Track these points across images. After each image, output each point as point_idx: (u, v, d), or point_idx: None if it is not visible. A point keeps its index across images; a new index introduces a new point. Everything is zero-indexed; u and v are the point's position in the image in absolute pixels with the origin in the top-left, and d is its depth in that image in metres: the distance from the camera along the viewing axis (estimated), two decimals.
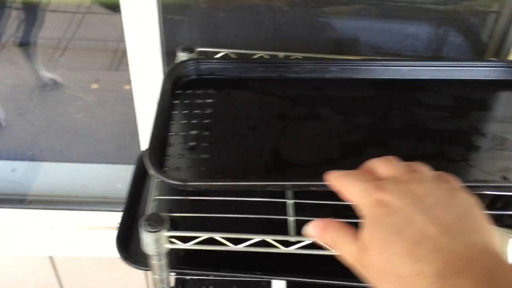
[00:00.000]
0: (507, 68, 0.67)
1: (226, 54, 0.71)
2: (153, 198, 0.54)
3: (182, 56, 0.69)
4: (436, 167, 0.38)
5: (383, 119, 0.62)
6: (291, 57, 0.71)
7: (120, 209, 0.65)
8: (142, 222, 0.50)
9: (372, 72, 0.67)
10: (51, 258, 1.15)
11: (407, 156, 0.39)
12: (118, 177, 1.20)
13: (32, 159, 1.27)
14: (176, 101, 0.62)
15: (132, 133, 0.92)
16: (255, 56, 0.71)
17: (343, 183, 0.39)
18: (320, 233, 0.38)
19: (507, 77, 0.67)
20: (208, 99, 0.63)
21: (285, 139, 0.58)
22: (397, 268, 0.32)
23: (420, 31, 0.85)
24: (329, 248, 0.40)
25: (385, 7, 0.81)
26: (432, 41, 0.86)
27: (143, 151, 0.76)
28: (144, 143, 0.90)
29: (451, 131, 0.60)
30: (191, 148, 0.56)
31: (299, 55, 0.72)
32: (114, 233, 0.62)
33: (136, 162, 0.73)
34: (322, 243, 0.43)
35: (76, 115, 1.34)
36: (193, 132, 0.58)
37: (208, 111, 0.61)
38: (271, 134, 0.59)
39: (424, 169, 0.38)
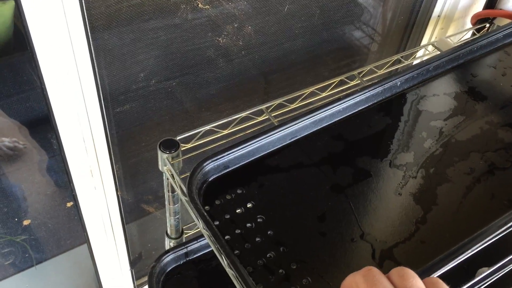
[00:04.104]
0: None
1: (209, 129, 0.71)
2: None
3: (167, 156, 0.65)
4: None
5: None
6: (287, 107, 0.73)
7: None
8: None
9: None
10: None
11: None
12: None
13: None
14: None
15: None
16: (235, 122, 0.71)
17: None
18: None
19: None
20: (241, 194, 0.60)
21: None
22: None
23: None
24: None
25: None
26: None
27: None
28: None
29: None
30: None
31: (279, 100, 0.73)
32: None
33: None
34: None
35: None
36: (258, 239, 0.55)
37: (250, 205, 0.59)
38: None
39: (412, 284, 0.34)
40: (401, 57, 0.90)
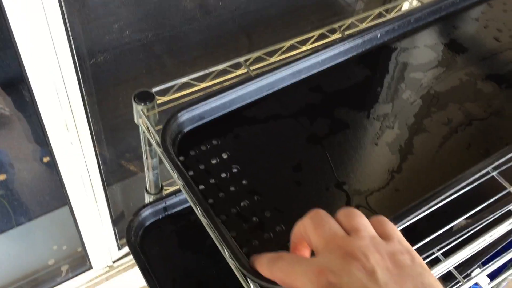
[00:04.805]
0: None
1: (187, 82, 0.69)
2: None
3: (142, 107, 0.64)
4: None
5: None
6: (266, 61, 0.72)
7: None
8: None
9: None
10: None
11: None
12: None
13: None
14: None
15: None
16: (213, 74, 0.69)
17: (278, 271, 0.34)
18: None
19: None
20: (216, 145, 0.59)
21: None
22: None
23: None
24: None
25: None
26: None
27: None
28: None
29: None
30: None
31: (258, 53, 0.71)
32: None
33: None
34: None
35: None
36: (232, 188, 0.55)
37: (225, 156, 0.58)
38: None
39: (362, 224, 0.34)
40: (384, 10, 0.88)
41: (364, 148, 0.60)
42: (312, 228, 0.35)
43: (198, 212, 0.52)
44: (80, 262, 1.23)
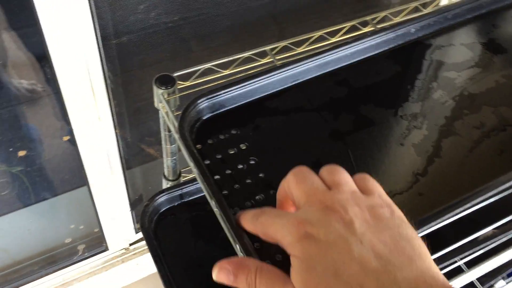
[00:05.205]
0: None
1: (210, 68, 0.67)
2: None
3: (162, 92, 0.63)
4: None
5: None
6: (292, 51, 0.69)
7: None
8: None
9: None
10: None
11: None
12: None
13: None
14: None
15: None
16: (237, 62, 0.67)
17: (259, 225, 0.35)
18: (230, 278, 0.33)
19: None
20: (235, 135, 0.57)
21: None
22: None
23: None
24: None
25: None
26: None
27: None
28: None
29: None
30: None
31: (285, 43, 0.69)
32: None
33: None
34: None
35: None
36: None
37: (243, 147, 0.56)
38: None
39: (343, 180, 0.35)
40: (421, 4, 0.85)
41: (389, 147, 0.58)
42: (294, 183, 0.36)
43: (212, 202, 0.51)
44: (96, 242, 1.23)
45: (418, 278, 0.29)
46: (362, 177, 0.36)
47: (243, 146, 0.57)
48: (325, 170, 0.36)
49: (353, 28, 0.79)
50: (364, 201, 0.33)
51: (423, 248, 0.31)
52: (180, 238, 0.73)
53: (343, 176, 0.35)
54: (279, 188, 0.38)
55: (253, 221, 0.37)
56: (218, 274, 0.34)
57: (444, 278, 0.30)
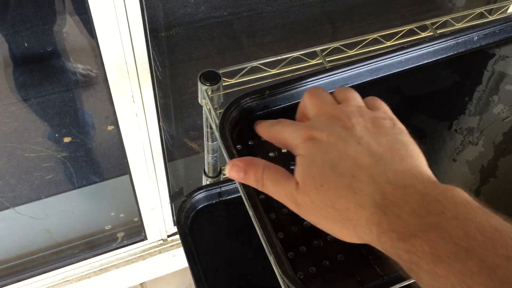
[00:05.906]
0: None
1: (256, 67, 0.65)
2: None
3: (206, 88, 0.61)
4: None
5: None
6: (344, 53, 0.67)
7: None
8: None
9: None
10: None
11: None
12: None
13: None
14: None
15: None
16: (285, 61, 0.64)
17: (273, 131, 0.39)
18: (240, 174, 0.37)
19: None
20: None
21: None
22: (335, 202, 0.32)
23: None
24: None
25: None
26: None
27: None
28: None
29: None
30: None
31: (336, 44, 0.66)
32: None
33: None
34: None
35: None
36: None
37: None
38: None
39: (352, 96, 0.39)
40: (487, 10, 0.79)
41: (440, 162, 0.54)
42: (308, 99, 0.39)
43: (247, 204, 0.49)
44: (135, 231, 1.25)
45: (405, 172, 0.32)
46: (372, 97, 0.40)
47: (284, 150, 0.55)
48: (338, 89, 0.41)
49: (410, 32, 0.75)
50: (368, 113, 0.37)
51: (416, 151, 0.35)
52: (215, 237, 0.72)
53: (353, 94, 0.39)
54: (298, 107, 0.41)
55: (269, 128, 0.41)
56: (230, 170, 0.39)
57: (431, 174, 0.33)
